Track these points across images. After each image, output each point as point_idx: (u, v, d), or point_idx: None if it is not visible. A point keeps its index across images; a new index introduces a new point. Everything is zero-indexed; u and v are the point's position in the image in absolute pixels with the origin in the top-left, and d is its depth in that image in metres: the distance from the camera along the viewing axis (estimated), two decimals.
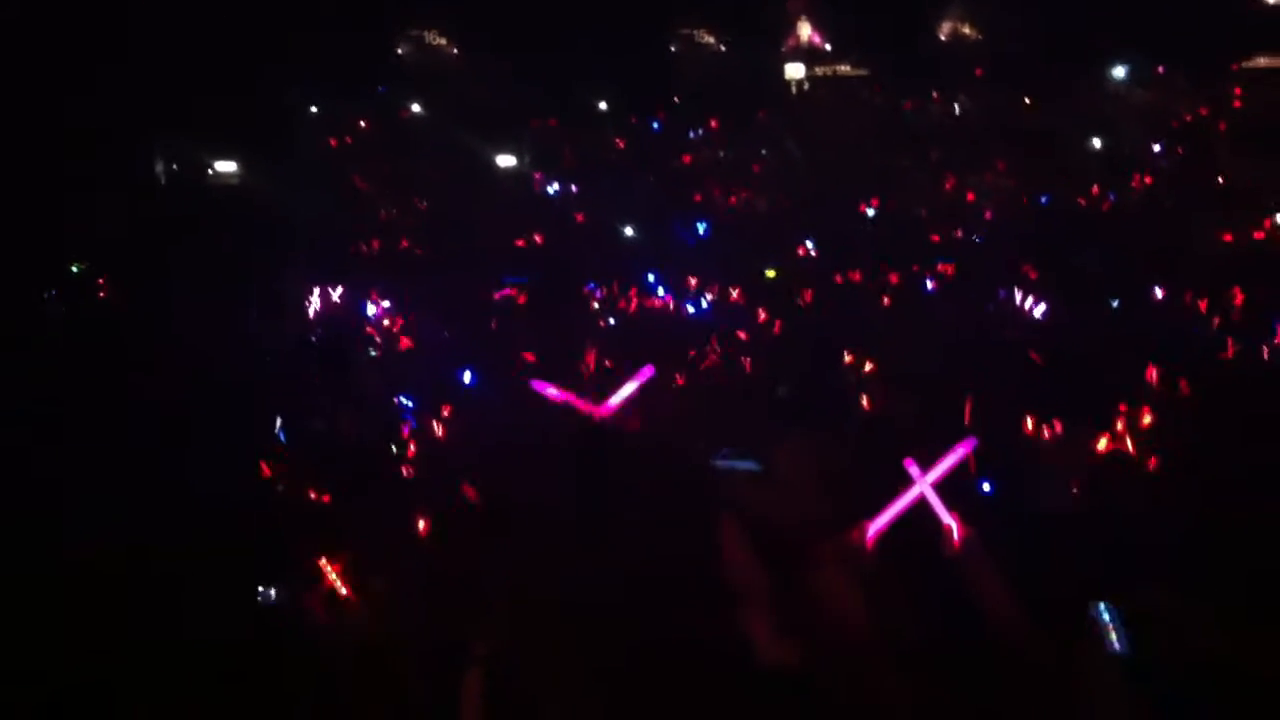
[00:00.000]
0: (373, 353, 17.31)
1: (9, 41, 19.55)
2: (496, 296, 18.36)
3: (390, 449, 13.43)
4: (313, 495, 12.13)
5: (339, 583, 8.04)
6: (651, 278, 17.83)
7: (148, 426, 14.18)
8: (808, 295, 15.16)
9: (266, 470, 12.44)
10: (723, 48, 26.74)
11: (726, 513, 3.84)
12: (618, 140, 23.53)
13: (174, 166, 21.10)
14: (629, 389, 4.48)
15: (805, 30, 27.70)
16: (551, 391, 4.78)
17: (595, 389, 5.01)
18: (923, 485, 4.03)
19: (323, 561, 8.64)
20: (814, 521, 3.82)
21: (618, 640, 3.61)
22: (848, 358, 12.31)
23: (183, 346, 16.32)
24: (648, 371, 4.50)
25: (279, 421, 12.88)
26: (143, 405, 14.98)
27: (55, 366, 15.94)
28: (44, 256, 18.52)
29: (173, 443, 13.39)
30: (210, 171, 21.23)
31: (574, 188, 22.75)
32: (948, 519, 4.00)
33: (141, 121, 20.82)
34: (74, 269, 18.52)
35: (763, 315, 13.76)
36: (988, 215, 19.84)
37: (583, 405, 4.74)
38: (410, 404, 14.26)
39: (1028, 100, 25.71)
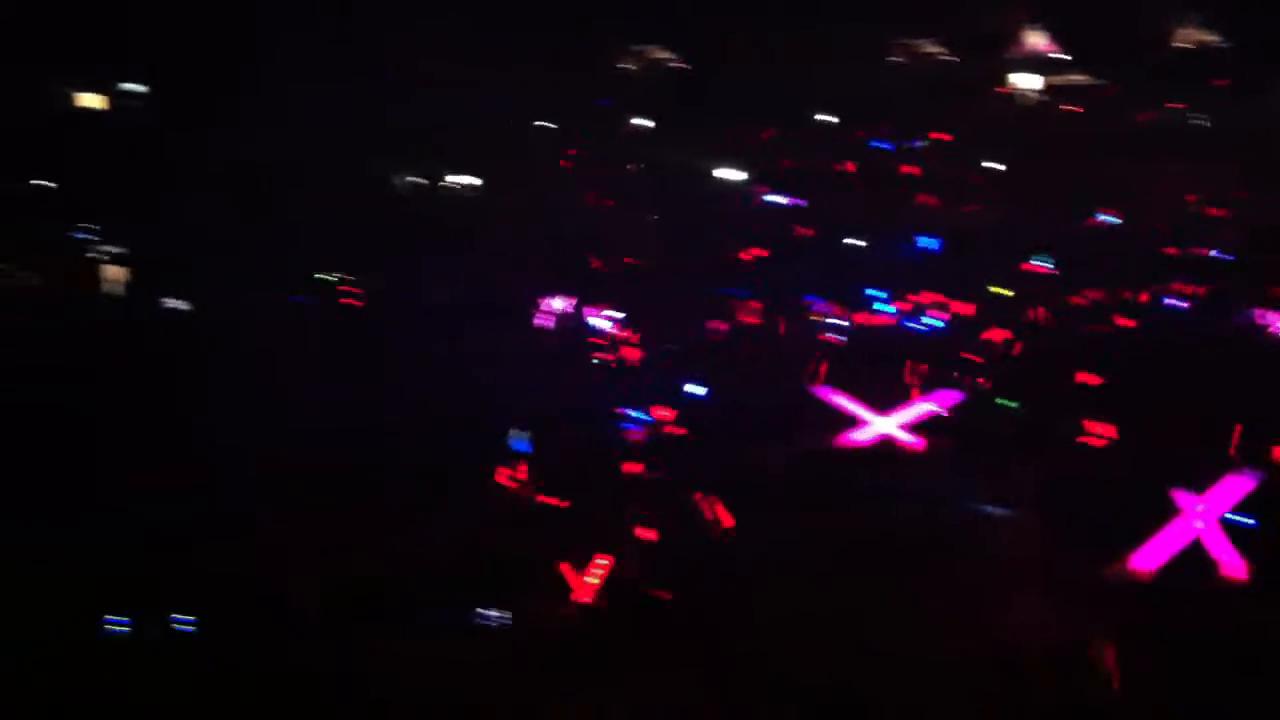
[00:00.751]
0: (603, 362, 17.77)
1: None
2: (721, 309, 18.53)
3: (623, 456, 13.68)
4: (555, 503, 12.52)
5: (583, 586, 8.22)
6: (875, 292, 17.72)
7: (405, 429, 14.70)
8: (1041, 313, 14.85)
9: (510, 480, 12.75)
10: (945, 56, 26.33)
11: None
12: (843, 155, 23.46)
13: (412, 178, 22.10)
14: (923, 408, 4.61)
15: (1034, 38, 27.04)
16: (840, 401, 4.97)
17: (879, 404, 5.17)
18: (1201, 519, 4.02)
19: (566, 567, 8.84)
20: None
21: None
22: (1086, 379, 12.07)
23: (431, 353, 16.96)
24: (950, 397, 4.62)
25: (525, 432, 12.99)
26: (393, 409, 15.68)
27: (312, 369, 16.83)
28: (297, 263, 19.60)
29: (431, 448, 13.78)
30: (448, 182, 22.16)
31: (799, 201, 22.78)
32: (1225, 557, 3.99)
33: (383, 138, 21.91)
34: (326, 277, 19.61)
35: (997, 334, 13.58)
36: (1226, 230, 19.01)
37: (867, 415, 4.90)
38: (638, 415, 14.64)
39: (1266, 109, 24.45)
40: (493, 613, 11.41)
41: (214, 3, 21.14)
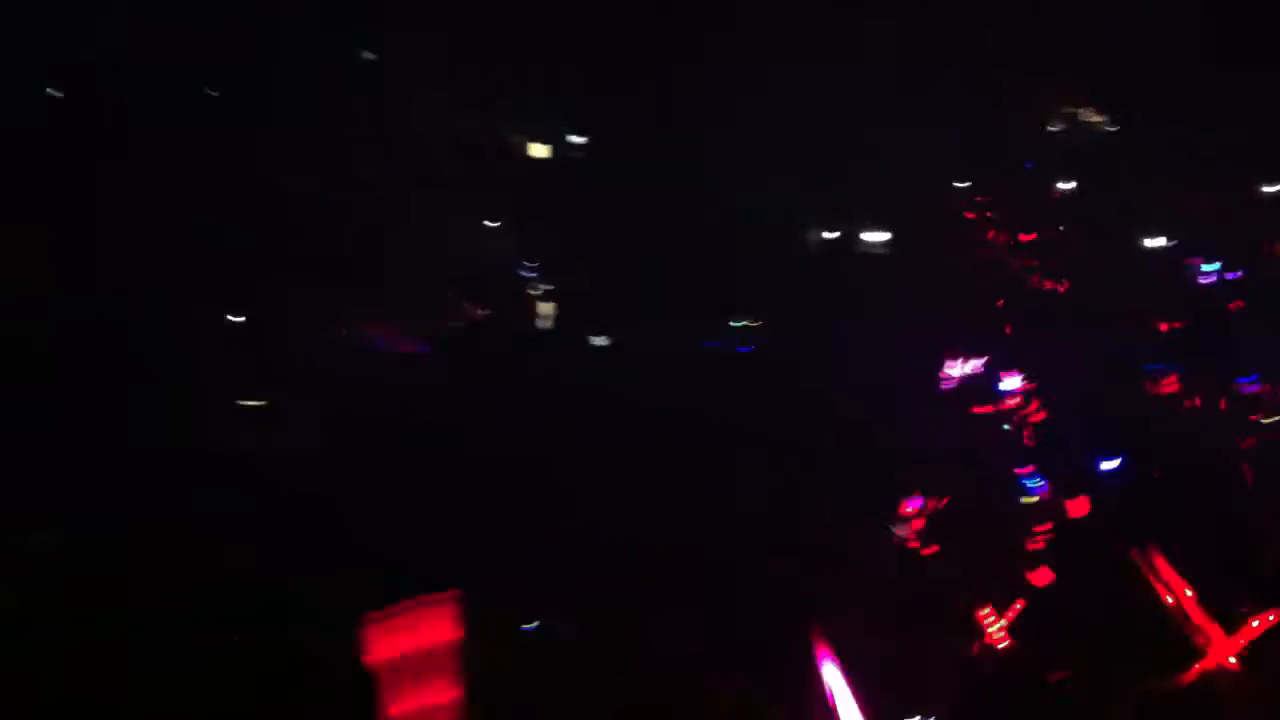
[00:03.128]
0: (1006, 426, 17.35)
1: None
2: (1148, 386, 17.67)
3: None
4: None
5: (1001, 632, 8.12)
6: None
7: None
8: None
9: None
10: None
11: None
12: None
13: (825, 235, 22.53)
14: None
15: None
16: None
17: None
18: None
19: (985, 613, 8.75)
20: None
21: None
22: None
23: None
24: None
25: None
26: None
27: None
28: None
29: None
30: (862, 240, 22.43)
31: (1236, 273, 21.37)
32: None
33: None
34: (739, 323, 20.34)
35: None
36: None
37: None
38: (1040, 484, 14.20)
39: None
40: None
41: (658, 65, 22.28)
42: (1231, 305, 21.33)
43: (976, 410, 17.78)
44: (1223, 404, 17.95)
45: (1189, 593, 7.75)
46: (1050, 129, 24.61)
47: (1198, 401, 18.39)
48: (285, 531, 13.05)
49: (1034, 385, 18.03)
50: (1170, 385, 18.10)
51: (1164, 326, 20.97)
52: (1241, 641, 9.18)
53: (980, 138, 23.51)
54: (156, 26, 18.44)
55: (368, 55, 20.87)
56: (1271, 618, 10.68)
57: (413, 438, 16.01)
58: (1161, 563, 8.28)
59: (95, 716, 9.63)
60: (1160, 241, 22.52)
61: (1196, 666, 9.51)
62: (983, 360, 18.76)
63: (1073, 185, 23.78)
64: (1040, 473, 14.88)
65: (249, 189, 18.40)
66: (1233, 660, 9.89)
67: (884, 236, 22.25)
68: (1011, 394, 17.99)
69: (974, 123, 23.54)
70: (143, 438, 14.14)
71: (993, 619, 9.73)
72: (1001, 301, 21.82)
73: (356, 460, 14.98)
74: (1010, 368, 18.61)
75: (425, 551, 13.26)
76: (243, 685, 10.48)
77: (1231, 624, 9.76)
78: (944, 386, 18.80)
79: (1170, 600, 9.58)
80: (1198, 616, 8.75)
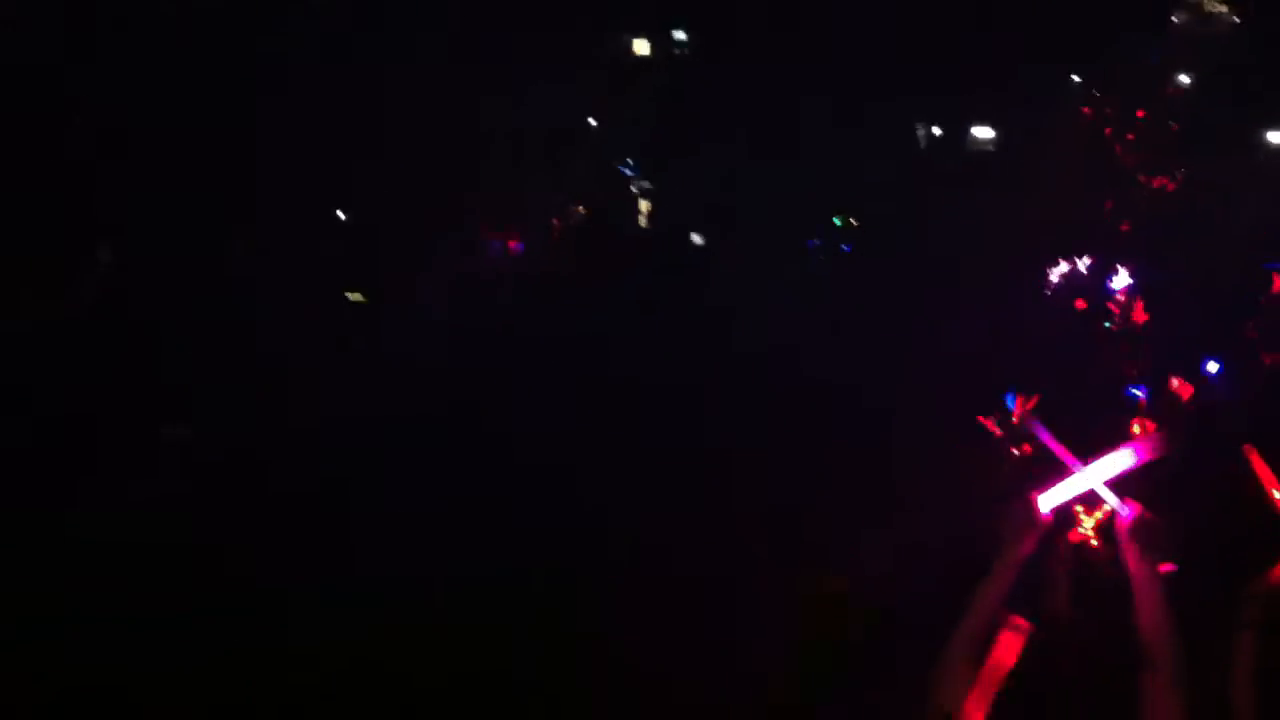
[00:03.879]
0: (1108, 324, 17.02)
1: None
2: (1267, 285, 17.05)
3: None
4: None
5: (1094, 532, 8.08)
6: None
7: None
8: None
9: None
10: None
11: None
12: None
13: (934, 129, 22.17)
14: None
15: None
16: None
17: None
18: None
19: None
20: None
21: None
22: None
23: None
24: None
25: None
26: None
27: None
28: None
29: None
30: (969, 136, 22.00)
31: None
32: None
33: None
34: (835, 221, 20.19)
35: None
36: None
37: None
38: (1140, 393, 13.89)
39: None
40: None
41: None
42: None
43: (1082, 306, 17.40)
44: None
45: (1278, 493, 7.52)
46: (1174, 19, 23.70)
47: None
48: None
49: (1142, 284, 17.57)
50: None
51: None
52: None
53: (1099, 31, 22.68)
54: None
55: None
56: None
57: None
58: (1259, 462, 8.03)
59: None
60: None
61: None
62: (1092, 258, 18.31)
63: (1193, 80, 22.94)
64: (1143, 376, 14.51)
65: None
66: None
67: (991, 133, 21.84)
68: (1119, 292, 17.57)
69: (1091, 14, 22.70)
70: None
71: (1086, 519, 9.61)
72: (1120, 200, 21.20)
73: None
74: (1120, 265, 18.15)
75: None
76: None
77: None
78: (1051, 283, 18.44)
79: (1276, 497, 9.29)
80: None
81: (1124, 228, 20.17)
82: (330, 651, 9.31)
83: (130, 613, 9.49)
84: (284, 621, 9.67)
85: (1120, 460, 3.62)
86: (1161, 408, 13.17)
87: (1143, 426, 13.59)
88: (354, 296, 16.34)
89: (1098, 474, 3.66)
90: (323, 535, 11.21)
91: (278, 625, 9.62)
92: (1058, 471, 3.85)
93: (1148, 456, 3.67)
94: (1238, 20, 23.38)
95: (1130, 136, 22.49)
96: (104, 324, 15.79)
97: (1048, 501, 3.76)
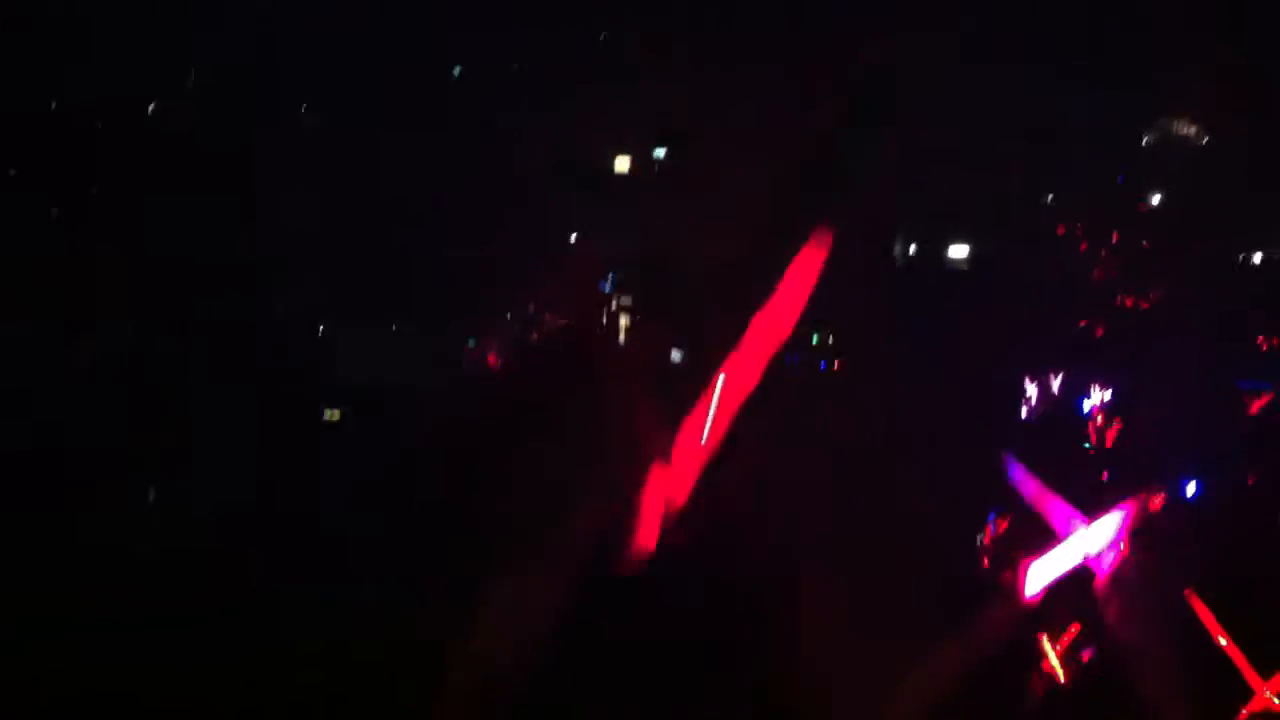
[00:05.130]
0: (1087, 445, 17.05)
1: None
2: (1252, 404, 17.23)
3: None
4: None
5: (1058, 662, 8.02)
6: None
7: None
8: None
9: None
10: None
11: None
12: None
13: (912, 249, 22.39)
14: None
15: None
16: None
17: None
18: None
19: (1044, 640, 8.67)
20: None
21: None
22: None
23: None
24: None
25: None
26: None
27: None
28: None
29: None
30: (945, 256, 22.21)
31: None
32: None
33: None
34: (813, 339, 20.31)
35: None
36: None
37: None
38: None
39: None
40: None
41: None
42: None
43: (1057, 427, 17.49)
44: None
45: (1223, 640, 7.37)
46: (1144, 140, 24.15)
47: None
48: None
49: (1118, 403, 17.68)
50: (1263, 404, 17.59)
51: (1262, 342, 20.40)
52: None
53: (1071, 150, 23.12)
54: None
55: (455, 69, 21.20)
56: None
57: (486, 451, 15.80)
58: (1201, 606, 7.99)
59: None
60: (1257, 256, 21.94)
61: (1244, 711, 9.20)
62: (1066, 377, 18.46)
63: (1163, 198, 23.31)
64: (1117, 494, 14.56)
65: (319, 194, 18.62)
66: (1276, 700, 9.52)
67: (966, 251, 22.07)
68: (1094, 411, 17.68)
69: (1065, 135, 23.17)
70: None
71: (1052, 646, 9.55)
72: (1092, 316, 21.43)
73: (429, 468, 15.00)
74: (1095, 384, 18.28)
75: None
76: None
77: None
78: (1025, 404, 18.54)
79: (1221, 641, 9.23)
80: (1239, 659, 8.39)
81: (1099, 344, 20.38)
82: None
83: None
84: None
85: (1105, 525, 3.58)
86: (1136, 518, 13.17)
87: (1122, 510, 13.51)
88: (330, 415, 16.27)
89: (1084, 538, 3.61)
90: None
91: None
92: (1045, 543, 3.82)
93: (1130, 521, 3.64)
94: (1205, 141, 23.89)
95: (1104, 254, 22.82)
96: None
97: (1038, 578, 3.71)
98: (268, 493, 12.90)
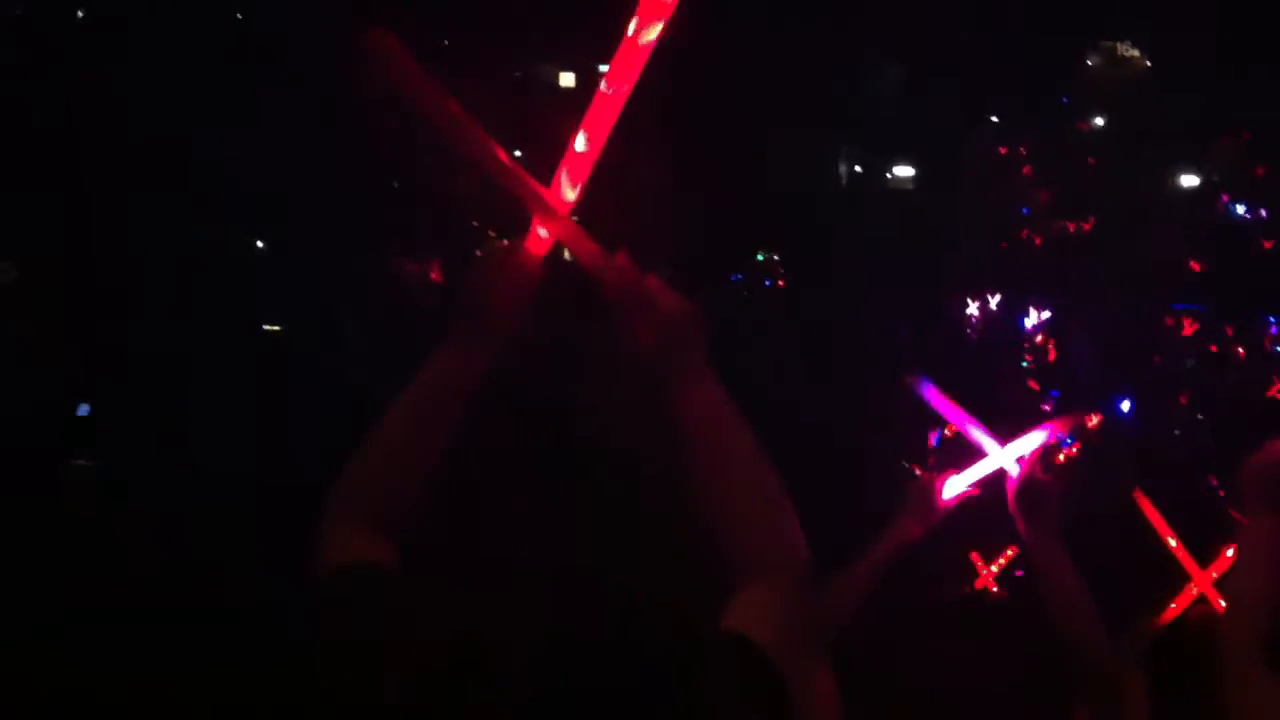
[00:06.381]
0: (1024, 363, 17.31)
1: None
2: (1168, 322, 17.54)
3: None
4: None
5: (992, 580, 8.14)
6: None
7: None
8: None
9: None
10: None
11: None
12: None
13: (855, 168, 22.43)
14: None
15: None
16: None
17: None
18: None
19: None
20: None
21: None
22: None
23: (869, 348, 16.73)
24: None
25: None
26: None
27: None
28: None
29: None
30: (888, 176, 22.30)
31: (1263, 211, 21.10)
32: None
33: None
34: (759, 256, 20.35)
35: None
36: None
37: None
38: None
39: None
40: None
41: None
42: (1266, 244, 21.11)
43: (998, 345, 17.74)
44: (1243, 348, 17.75)
45: (1172, 540, 7.64)
46: (1087, 62, 24.32)
47: (1228, 345, 18.22)
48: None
49: (1054, 322, 17.95)
50: (1195, 326, 17.94)
51: (1195, 266, 20.76)
52: (1218, 572, 9.07)
53: (1014, 71, 23.18)
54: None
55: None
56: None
57: None
58: (1149, 507, 8.18)
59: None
60: (1194, 180, 22.26)
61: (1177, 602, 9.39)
62: (1004, 296, 18.69)
63: (1105, 120, 23.53)
64: (1052, 411, 14.80)
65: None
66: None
67: (911, 172, 22.15)
68: (1032, 330, 17.94)
69: (1007, 55, 23.18)
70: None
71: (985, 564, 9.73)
72: (1032, 238, 21.69)
73: None
74: (1032, 304, 18.53)
75: None
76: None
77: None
78: (966, 323, 18.76)
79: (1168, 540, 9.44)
80: (1182, 556, 8.63)
81: (1038, 264, 20.65)
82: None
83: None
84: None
85: (1027, 442, 3.51)
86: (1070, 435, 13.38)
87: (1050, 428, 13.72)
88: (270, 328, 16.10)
89: (1003, 454, 3.55)
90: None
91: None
92: (967, 456, 3.72)
93: (1053, 439, 3.59)
94: (1148, 65, 24.08)
95: (1046, 172, 23.03)
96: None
97: (953, 486, 3.61)
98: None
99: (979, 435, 3.64)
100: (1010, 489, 3.37)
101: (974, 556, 9.37)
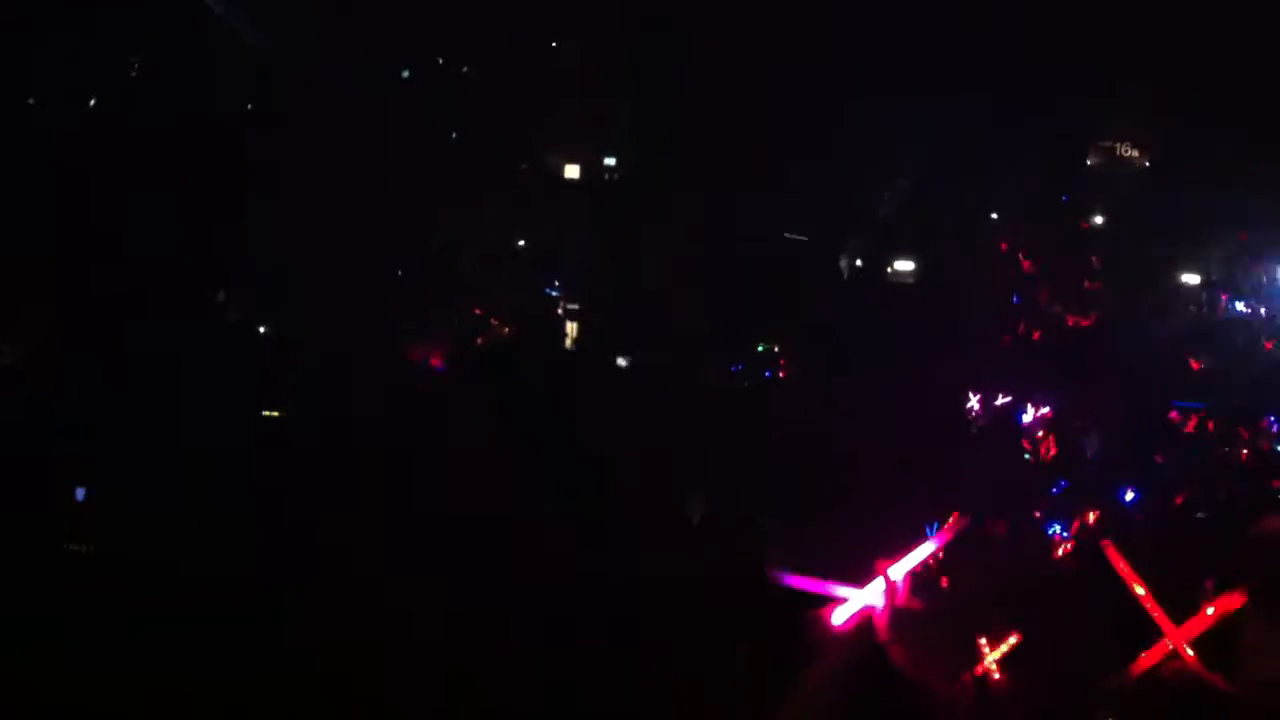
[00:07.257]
0: (1027, 457, 17.27)
1: None
2: (1174, 416, 17.52)
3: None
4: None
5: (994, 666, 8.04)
6: None
7: None
8: None
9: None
10: None
11: None
12: None
13: (856, 262, 22.64)
14: None
15: None
16: None
17: None
18: None
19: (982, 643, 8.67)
20: None
21: None
22: None
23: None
24: None
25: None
26: None
27: None
28: None
29: None
30: (889, 270, 22.47)
31: (1262, 310, 21.18)
32: None
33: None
34: (759, 348, 20.40)
35: None
36: None
37: None
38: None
39: None
40: None
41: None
42: (1268, 345, 21.14)
43: (999, 441, 17.69)
44: (1245, 449, 17.73)
45: (1140, 590, 7.51)
46: (1088, 162, 24.59)
47: (1230, 443, 18.20)
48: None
49: (1057, 418, 17.93)
50: (1195, 422, 17.93)
51: (1195, 364, 20.81)
52: (1195, 630, 8.89)
53: (1017, 169, 23.43)
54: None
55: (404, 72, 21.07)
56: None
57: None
58: (1117, 557, 8.07)
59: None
60: (1194, 279, 22.40)
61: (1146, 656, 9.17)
62: (1008, 393, 18.66)
63: (1105, 220, 23.72)
64: (1059, 507, 14.77)
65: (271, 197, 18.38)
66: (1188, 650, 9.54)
67: (912, 266, 22.35)
68: (1034, 426, 17.90)
69: (1011, 155, 23.46)
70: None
71: (989, 650, 9.61)
72: (1031, 332, 21.72)
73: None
74: (1035, 401, 18.50)
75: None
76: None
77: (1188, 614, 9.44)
78: (968, 417, 18.72)
79: (1138, 592, 9.25)
80: (1154, 609, 8.50)
81: (1039, 361, 20.63)
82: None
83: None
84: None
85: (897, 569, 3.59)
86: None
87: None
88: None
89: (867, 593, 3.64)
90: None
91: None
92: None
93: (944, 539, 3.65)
94: (1149, 165, 24.36)
95: (1047, 269, 23.14)
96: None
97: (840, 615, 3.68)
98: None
99: (843, 590, 3.77)
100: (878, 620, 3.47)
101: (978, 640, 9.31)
